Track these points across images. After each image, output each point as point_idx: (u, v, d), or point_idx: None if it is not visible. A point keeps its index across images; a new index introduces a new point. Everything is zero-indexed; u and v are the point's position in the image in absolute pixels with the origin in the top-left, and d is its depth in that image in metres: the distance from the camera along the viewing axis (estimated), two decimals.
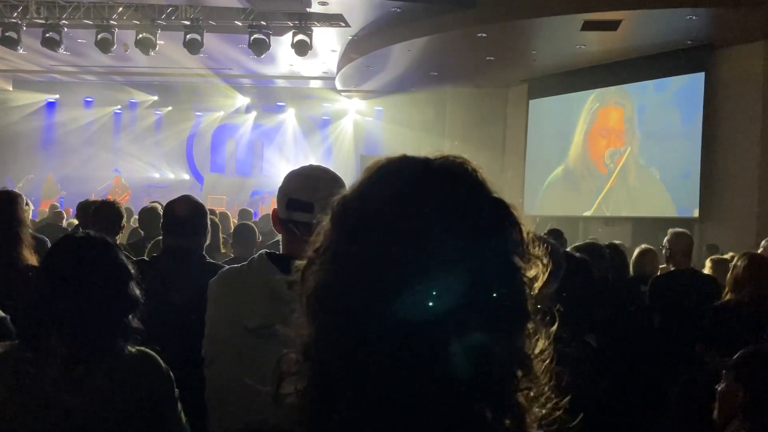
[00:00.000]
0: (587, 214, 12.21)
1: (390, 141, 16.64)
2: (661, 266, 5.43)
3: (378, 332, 0.73)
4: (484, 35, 10.21)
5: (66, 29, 11.44)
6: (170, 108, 18.59)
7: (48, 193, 15.95)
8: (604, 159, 12.16)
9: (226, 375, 1.78)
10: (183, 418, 1.92)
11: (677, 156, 10.84)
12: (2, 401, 1.75)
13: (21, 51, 12.10)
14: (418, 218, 0.75)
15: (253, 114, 18.45)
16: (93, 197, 15.56)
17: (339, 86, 15.43)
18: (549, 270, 0.81)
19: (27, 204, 4.29)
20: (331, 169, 2.02)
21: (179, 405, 1.90)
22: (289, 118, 18.36)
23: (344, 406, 0.73)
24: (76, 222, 7.91)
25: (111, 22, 11.19)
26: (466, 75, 13.20)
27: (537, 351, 0.78)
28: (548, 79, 12.70)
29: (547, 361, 0.79)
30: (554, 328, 0.81)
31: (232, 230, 6.00)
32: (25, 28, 11.41)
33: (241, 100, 18.24)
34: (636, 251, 5.20)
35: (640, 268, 5.00)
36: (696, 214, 10.48)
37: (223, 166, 18.82)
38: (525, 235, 0.79)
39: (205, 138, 18.80)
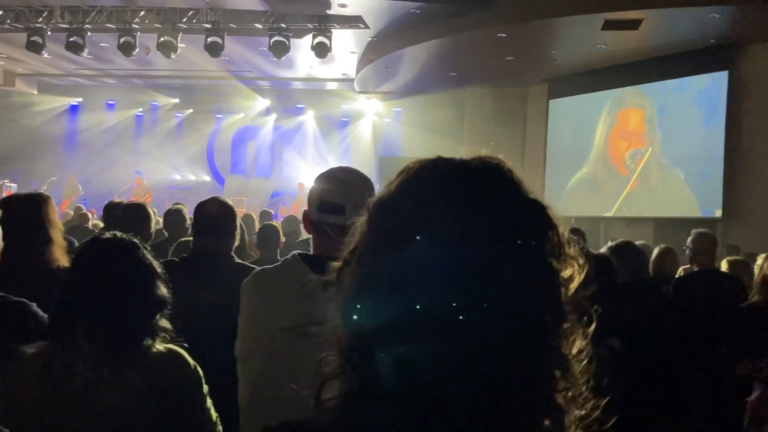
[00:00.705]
0: (608, 215, 12.13)
1: (408, 142, 16.65)
2: (683, 267, 5.38)
3: (416, 334, 0.73)
4: (503, 35, 10.18)
5: (89, 33, 11.60)
6: (191, 110, 18.76)
7: (69, 193, 16.15)
8: (625, 160, 12.07)
9: (259, 375, 1.81)
10: (213, 415, 1.94)
11: (699, 156, 10.73)
12: (34, 401, 1.78)
13: (45, 55, 12.28)
14: (455, 219, 0.75)
15: (273, 116, 18.56)
16: (116, 199, 15.73)
17: (358, 88, 15.47)
18: (585, 270, 0.81)
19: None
20: None
21: (209, 401, 1.92)
22: (308, 119, 18.45)
23: (384, 408, 0.74)
24: (101, 223, 8.01)
25: (133, 25, 11.32)
26: (486, 75, 13.17)
27: (575, 351, 0.78)
28: (568, 78, 12.63)
29: (585, 362, 0.79)
30: (591, 328, 0.81)
31: (255, 231, 6.03)
32: (49, 33, 11.58)
33: (261, 103, 18.35)
34: (655, 251, 5.14)
35: (659, 268, 4.95)
36: (718, 214, 10.37)
37: (244, 168, 18.94)
38: (560, 235, 0.79)
39: (226, 140, 18.94)
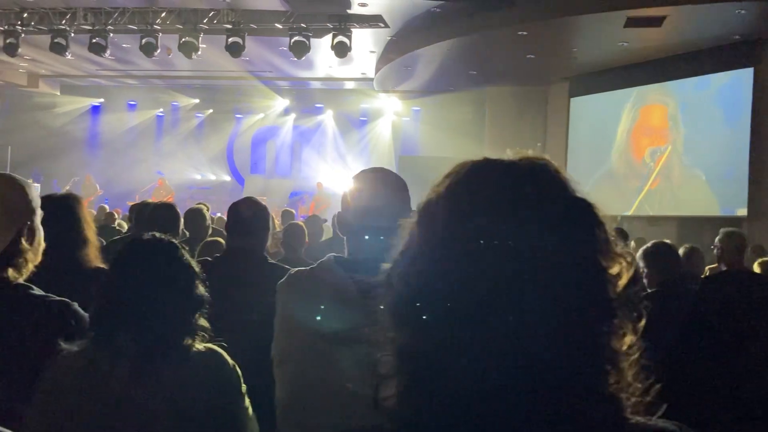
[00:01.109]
0: (628, 213, 12.03)
1: (428, 141, 16.63)
2: (709, 266, 5.33)
3: (470, 334, 0.74)
4: (524, 33, 10.14)
5: (111, 35, 11.72)
6: (211, 111, 18.89)
7: (87, 193, 16.32)
8: (644, 158, 11.97)
9: (296, 377, 1.80)
10: (250, 413, 1.95)
11: (722, 154, 10.61)
12: (76, 399, 1.80)
13: (69, 57, 12.43)
14: (505, 220, 0.77)
15: (292, 116, 18.63)
16: (137, 199, 15.87)
17: (377, 87, 15.48)
18: (633, 268, 0.82)
19: None
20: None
21: (246, 401, 1.94)
22: (327, 119, 18.50)
23: (439, 407, 0.75)
24: (125, 223, 8.09)
25: (155, 26, 11.41)
26: (506, 73, 13.12)
27: (625, 347, 0.79)
28: (589, 76, 12.54)
29: (635, 356, 0.80)
30: (642, 323, 0.82)
31: (274, 231, 6.06)
32: (72, 35, 11.71)
33: (281, 102, 18.43)
34: (681, 250, 5.09)
35: (685, 268, 4.90)
36: (741, 213, 10.24)
37: (263, 168, 19.04)
38: (607, 233, 0.81)
39: (246, 140, 19.06)
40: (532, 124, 14.02)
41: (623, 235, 5.35)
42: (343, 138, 18.30)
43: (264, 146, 19.03)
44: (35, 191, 1.93)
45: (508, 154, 0.86)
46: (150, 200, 6.76)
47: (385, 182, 1.92)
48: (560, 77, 13.11)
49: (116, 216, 9.12)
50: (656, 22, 9.24)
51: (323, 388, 1.72)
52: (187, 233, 5.40)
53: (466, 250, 0.77)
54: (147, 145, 18.98)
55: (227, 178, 19.07)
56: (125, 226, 7.62)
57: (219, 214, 9.40)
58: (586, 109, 13.05)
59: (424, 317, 0.78)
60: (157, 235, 2.02)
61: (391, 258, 0.86)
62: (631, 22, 9.27)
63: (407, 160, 15.33)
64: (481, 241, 0.76)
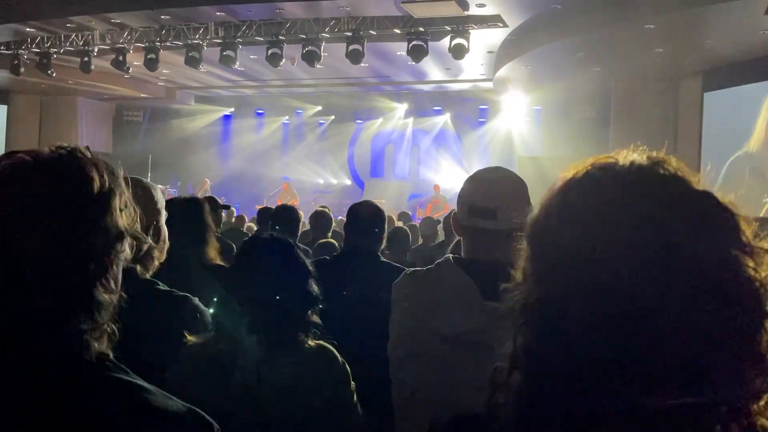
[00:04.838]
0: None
1: (549, 141, 16.21)
2: None
3: (591, 347, 0.72)
4: (652, 26, 9.64)
5: (240, 47, 12.34)
6: (333, 117, 19.43)
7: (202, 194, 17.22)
8: None
9: (416, 378, 1.80)
10: (359, 410, 1.98)
11: None
12: (200, 391, 1.89)
13: (202, 69, 13.22)
14: (628, 226, 0.74)
15: (411, 119, 18.80)
16: (265, 203, 16.54)
17: (496, 87, 15.28)
18: None
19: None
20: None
21: (355, 398, 1.97)
22: (445, 121, 18.50)
23: (557, 416, 0.74)
24: (254, 226, 8.49)
25: (280, 37, 11.89)
26: (632, 69, 12.52)
27: None
28: (725, 69, 11.71)
29: None
30: None
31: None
32: (205, 48, 12.45)
33: (399, 106, 18.65)
34: None
35: None
36: None
37: (382, 171, 19.34)
38: (742, 228, 0.75)
39: (365, 144, 19.45)
40: (661, 122, 13.27)
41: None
42: (462, 140, 18.23)
43: (383, 150, 19.33)
44: (160, 194, 2.07)
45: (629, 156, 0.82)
46: (265, 204, 7.07)
47: (499, 182, 1.88)
48: (692, 71, 12.35)
49: (245, 219, 9.59)
50: None
51: (444, 390, 1.71)
52: (312, 235, 5.60)
53: (584, 261, 0.74)
54: (274, 150, 19.83)
55: (348, 182, 19.54)
56: (254, 229, 8.00)
57: (340, 217, 9.65)
58: (722, 103, 12.19)
59: (540, 331, 0.77)
60: (275, 234, 2.10)
61: (514, 260, 0.85)
62: None
63: (527, 160, 15.01)
64: (601, 248, 0.73)
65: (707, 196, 0.76)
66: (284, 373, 1.87)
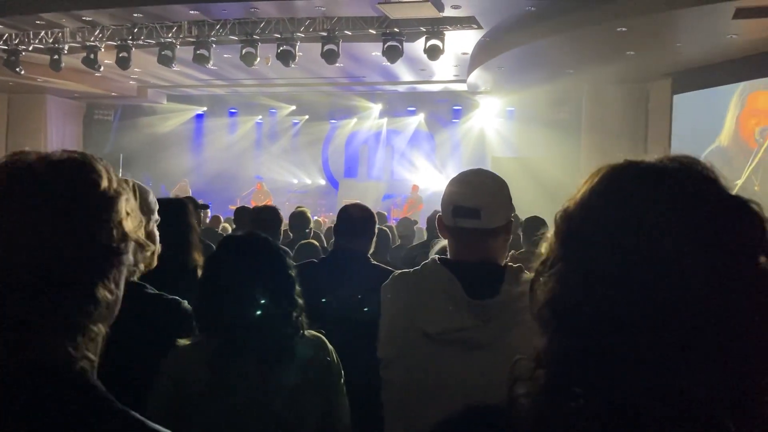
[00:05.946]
0: (738, 182, 11.34)
1: (522, 141, 16.36)
2: None
3: (613, 342, 0.73)
4: (623, 29, 9.79)
5: (214, 46, 12.23)
6: (307, 116, 19.36)
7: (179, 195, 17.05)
8: (755, 135, 11.32)
9: (405, 378, 1.83)
10: (347, 404, 2.00)
11: None
12: (200, 390, 1.87)
13: (175, 68, 13.07)
14: (662, 224, 0.74)
15: (385, 119, 18.82)
16: (238, 203, 16.39)
17: (470, 88, 15.37)
18: None
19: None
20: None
21: (344, 390, 1.99)
22: (419, 122, 18.55)
23: (578, 411, 0.74)
24: (229, 226, 8.42)
25: (254, 37, 11.82)
26: (604, 71, 12.70)
27: None
28: (694, 72, 11.95)
29: None
30: None
31: None
32: (178, 47, 12.32)
33: (373, 107, 18.66)
34: None
35: None
36: None
37: (356, 171, 19.33)
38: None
39: (339, 144, 19.42)
40: (632, 124, 13.49)
41: None
42: (436, 140, 18.29)
43: (357, 150, 19.32)
44: (153, 197, 2.05)
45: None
46: (238, 203, 7.03)
47: (482, 183, 1.91)
48: (662, 74, 12.56)
49: (221, 220, 9.51)
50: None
51: (432, 389, 1.74)
52: (291, 234, 5.58)
53: (608, 258, 0.75)
54: (247, 150, 19.69)
55: (322, 182, 19.49)
56: (229, 229, 7.94)
57: (316, 218, 9.63)
58: (691, 105, 12.43)
59: (563, 328, 0.78)
60: (254, 232, 2.09)
61: (498, 257, 0.86)
62: (741, 13, 8.76)
63: (501, 160, 15.13)
64: (636, 246, 0.74)
65: (740, 199, 0.78)
66: (284, 373, 1.88)
